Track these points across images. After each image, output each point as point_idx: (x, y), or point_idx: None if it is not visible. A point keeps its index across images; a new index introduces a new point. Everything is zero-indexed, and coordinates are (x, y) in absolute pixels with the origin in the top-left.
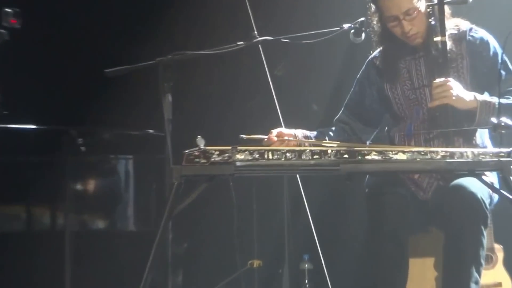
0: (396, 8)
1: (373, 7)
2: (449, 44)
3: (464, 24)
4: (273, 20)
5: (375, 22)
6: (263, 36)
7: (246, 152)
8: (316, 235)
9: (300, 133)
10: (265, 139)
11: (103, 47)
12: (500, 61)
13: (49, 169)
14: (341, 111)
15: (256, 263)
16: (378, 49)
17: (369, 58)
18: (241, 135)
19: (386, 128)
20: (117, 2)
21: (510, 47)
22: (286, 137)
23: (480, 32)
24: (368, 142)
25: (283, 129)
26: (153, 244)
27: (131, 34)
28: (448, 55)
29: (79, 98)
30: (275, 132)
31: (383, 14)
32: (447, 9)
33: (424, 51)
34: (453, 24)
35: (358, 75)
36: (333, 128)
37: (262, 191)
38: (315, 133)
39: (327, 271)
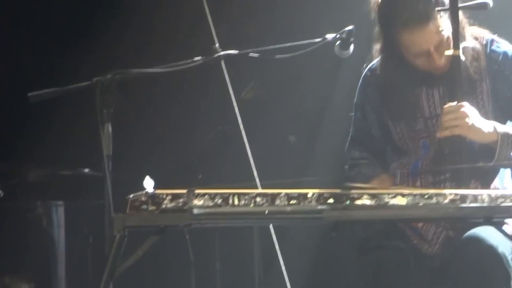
0: (423, 43)
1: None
2: (468, 58)
3: (484, 34)
4: (241, 31)
5: (380, 41)
6: (227, 50)
7: (206, 196)
8: None
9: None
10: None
11: (27, 65)
12: None
13: None
14: (349, 147)
15: None
16: (375, 61)
17: (365, 72)
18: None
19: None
20: (46, 8)
21: None
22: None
23: (503, 46)
24: None
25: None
26: None
27: (63, 49)
28: (465, 75)
29: None
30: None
31: (407, 50)
32: (464, 15)
33: (442, 78)
34: (470, 34)
35: (356, 98)
36: (358, 168)
37: (227, 244)
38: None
39: None
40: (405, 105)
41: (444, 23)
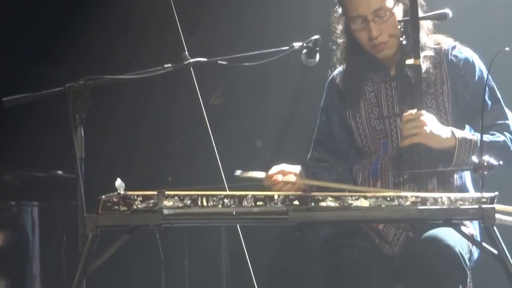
0: (365, 6)
1: (339, 11)
2: (427, 65)
3: (446, 42)
4: (210, 39)
5: (339, 31)
6: (196, 57)
7: (176, 197)
8: None
9: (299, 169)
10: (264, 178)
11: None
12: (486, 89)
13: None
14: (311, 149)
15: None
16: (340, 67)
17: (330, 78)
18: (236, 171)
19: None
20: (20, 16)
21: (497, 70)
22: (281, 176)
23: (464, 52)
24: None
25: (286, 166)
26: None
27: (37, 54)
28: (426, 76)
29: None
30: (277, 168)
31: (349, 15)
32: (427, 23)
33: (396, 73)
34: (433, 41)
35: (322, 103)
36: (315, 170)
37: (195, 243)
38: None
39: None
40: (363, 94)
41: (388, 1)
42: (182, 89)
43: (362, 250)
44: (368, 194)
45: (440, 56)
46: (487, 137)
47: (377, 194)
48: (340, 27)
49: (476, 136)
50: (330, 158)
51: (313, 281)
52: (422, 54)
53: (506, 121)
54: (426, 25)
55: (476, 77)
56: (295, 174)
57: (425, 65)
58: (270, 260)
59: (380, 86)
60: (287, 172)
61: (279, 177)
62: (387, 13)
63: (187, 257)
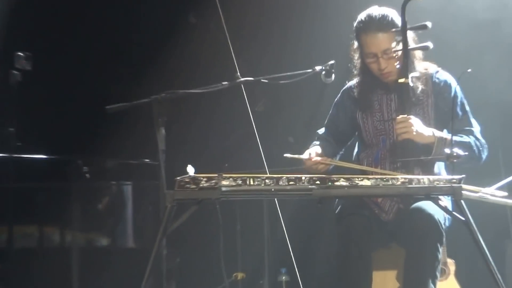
0: (376, 46)
1: (355, 43)
2: (417, 83)
3: (432, 67)
4: (254, 62)
5: (356, 57)
6: (245, 77)
7: (231, 179)
8: (292, 251)
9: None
10: (305, 159)
11: (106, 85)
12: (458, 103)
13: (58, 194)
14: (323, 129)
15: (240, 275)
16: (355, 80)
17: (345, 86)
18: (285, 154)
19: (356, 151)
20: (118, 47)
21: (468, 88)
22: (320, 158)
23: (444, 75)
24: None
25: (314, 149)
26: (149, 259)
27: (131, 74)
28: (418, 92)
29: (85, 131)
30: (313, 151)
31: (364, 50)
32: (418, 53)
33: (396, 90)
34: (423, 66)
35: (336, 99)
36: (322, 143)
37: (244, 212)
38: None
39: (301, 283)
40: (371, 102)
41: (392, 41)
42: (235, 99)
43: (365, 217)
44: (369, 176)
45: (427, 77)
46: (457, 138)
47: (376, 176)
48: (356, 55)
49: (449, 136)
50: (332, 139)
51: (329, 240)
52: (411, 75)
53: (471, 128)
54: (418, 55)
55: (452, 94)
56: (322, 155)
57: (416, 84)
58: (298, 225)
59: (382, 97)
60: (318, 154)
61: (317, 159)
62: (392, 52)
63: (238, 222)
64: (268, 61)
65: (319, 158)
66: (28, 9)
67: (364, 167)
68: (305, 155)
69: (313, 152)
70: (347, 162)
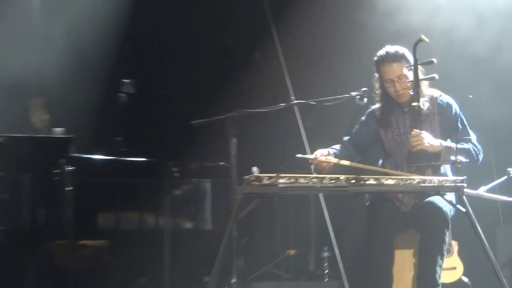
0: (392, 73)
1: (376, 75)
2: (426, 105)
3: (436, 92)
4: (303, 86)
5: (377, 87)
6: (298, 100)
7: (286, 178)
8: (333, 232)
9: (328, 150)
10: (312, 159)
11: (191, 104)
12: (458, 119)
13: (153, 188)
14: (348, 137)
15: (292, 252)
16: (377, 105)
17: (370, 109)
18: (297, 155)
19: (380, 161)
20: (200, 75)
21: (466, 108)
22: (324, 158)
23: (446, 98)
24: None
25: (322, 150)
26: (223, 239)
27: (209, 96)
28: (426, 112)
29: (174, 140)
30: (318, 153)
31: (382, 78)
32: (426, 82)
33: (408, 110)
34: (430, 92)
35: (362, 118)
36: (341, 146)
37: (295, 204)
38: (334, 150)
39: (340, 258)
40: (390, 121)
41: (403, 69)
42: (290, 116)
43: (389, 209)
44: (392, 177)
45: (433, 100)
46: (459, 145)
47: (398, 177)
48: (377, 85)
49: (453, 145)
50: (352, 147)
51: (359, 226)
52: (421, 100)
53: (469, 137)
54: (426, 83)
55: (453, 113)
56: (327, 155)
57: (425, 105)
58: (336, 213)
59: (399, 116)
60: (324, 154)
61: (322, 159)
62: (404, 78)
63: (291, 211)
64: (315, 87)
65: (323, 158)
66: (130, 45)
67: (359, 165)
68: (312, 156)
69: (319, 153)
70: (349, 163)
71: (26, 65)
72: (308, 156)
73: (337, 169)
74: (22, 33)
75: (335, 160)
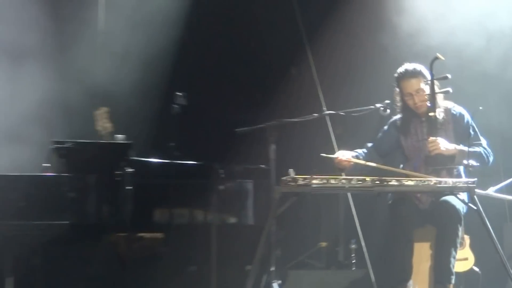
0: (411, 88)
1: (397, 90)
2: (442, 115)
3: (450, 104)
4: (333, 98)
5: (397, 100)
6: (329, 110)
7: (318, 179)
8: (360, 227)
9: (351, 152)
10: (334, 159)
11: (235, 114)
12: (470, 126)
13: (202, 188)
14: (371, 143)
15: (323, 244)
16: (398, 115)
17: (392, 119)
18: (321, 154)
19: (401, 166)
20: (244, 88)
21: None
22: (346, 158)
23: (458, 109)
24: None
25: (344, 152)
26: (263, 232)
27: (251, 107)
28: (442, 121)
29: (221, 145)
30: (341, 153)
31: (402, 92)
32: (441, 96)
33: (425, 119)
34: (445, 103)
35: (385, 127)
36: (365, 150)
37: (327, 202)
38: (356, 153)
39: (365, 250)
40: (409, 129)
41: (421, 83)
42: (321, 125)
43: (409, 206)
44: (412, 178)
45: (447, 111)
46: (471, 149)
47: (417, 178)
48: (398, 98)
49: (466, 148)
50: (374, 152)
51: (382, 221)
52: (437, 110)
53: (480, 142)
54: (441, 96)
55: (465, 121)
56: (349, 158)
57: (441, 115)
58: (362, 210)
59: (417, 125)
60: (346, 154)
61: (343, 158)
62: (422, 91)
63: (322, 207)
64: (345, 99)
65: (344, 158)
66: (184, 62)
67: (381, 166)
68: (335, 155)
69: (341, 153)
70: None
71: (102, 79)
72: (331, 155)
73: (356, 168)
74: (99, 52)
75: (355, 160)
